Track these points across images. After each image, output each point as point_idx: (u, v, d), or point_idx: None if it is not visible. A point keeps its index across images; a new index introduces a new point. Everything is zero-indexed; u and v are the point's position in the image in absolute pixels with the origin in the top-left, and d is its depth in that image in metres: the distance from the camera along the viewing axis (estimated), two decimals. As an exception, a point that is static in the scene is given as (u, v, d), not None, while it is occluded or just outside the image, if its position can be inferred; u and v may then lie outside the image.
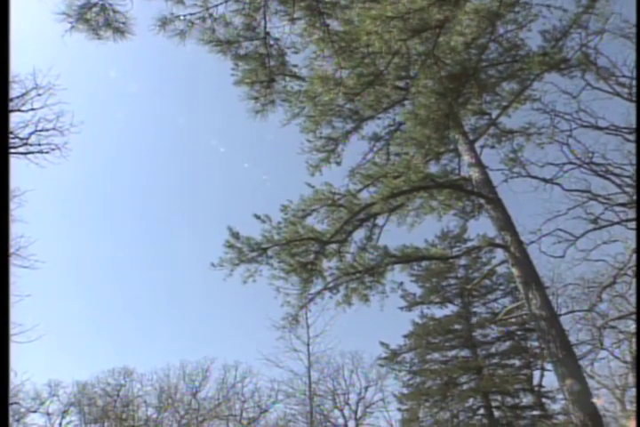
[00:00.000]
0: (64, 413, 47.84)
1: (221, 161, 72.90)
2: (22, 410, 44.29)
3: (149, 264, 76.71)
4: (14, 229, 16.46)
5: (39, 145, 16.51)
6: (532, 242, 18.95)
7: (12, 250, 17.93)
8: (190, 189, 76.04)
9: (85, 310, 73.51)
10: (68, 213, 72.71)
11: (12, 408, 41.97)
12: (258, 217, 11.83)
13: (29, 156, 16.34)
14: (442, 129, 12.29)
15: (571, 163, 19.31)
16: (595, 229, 19.79)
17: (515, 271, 11.84)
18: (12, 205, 16.96)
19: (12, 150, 15.70)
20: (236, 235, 11.66)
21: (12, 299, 16.30)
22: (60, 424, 47.61)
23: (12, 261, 18.51)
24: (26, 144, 16.47)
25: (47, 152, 16.42)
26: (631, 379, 22.42)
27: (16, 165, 15.57)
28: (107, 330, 72.31)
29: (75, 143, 16.69)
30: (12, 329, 17.84)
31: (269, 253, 11.69)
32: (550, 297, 13.00)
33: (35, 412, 45.93)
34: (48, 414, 47.20)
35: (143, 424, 44.92)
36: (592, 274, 23.01)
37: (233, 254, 11.63)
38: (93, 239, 75.54)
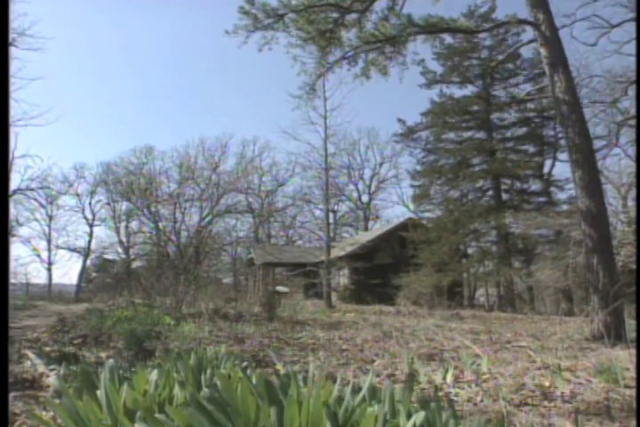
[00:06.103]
0: (92, 193, 51.49)
1: None
2: (54, 193, 47.80)
3: (162, 37, 74.11)
4: (16, 8, 15.53)
5: None
6: (564, 26, 17.61)
7: (13, 36, 17.37)
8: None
9: (102, 90, 73.69)
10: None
11: (43, 192, 44.79)
12: (272, -22, 10.95)
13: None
14: None
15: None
16: (633, 19, 18.36)
17: (543, 52, 11.37)
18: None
19: None
20: (250, 0, 10.99)
21: (23, 82, 16.16)
22: (90, 204, 51.54)
23: (19, 45, 18.08)
24: None
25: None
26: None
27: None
28: (124, 110, 73.48)
29: None
30: (31, 112, 17.96)
31: (286, 19, 11.09)
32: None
33: (65, 194, 49.60)
34: (77, 195, 50.92)
35: (167, 198, 47.98)
36: (621, 69, 22.04)
37: (248, 21, 11.09)
38: (105, 16, 72.02)
